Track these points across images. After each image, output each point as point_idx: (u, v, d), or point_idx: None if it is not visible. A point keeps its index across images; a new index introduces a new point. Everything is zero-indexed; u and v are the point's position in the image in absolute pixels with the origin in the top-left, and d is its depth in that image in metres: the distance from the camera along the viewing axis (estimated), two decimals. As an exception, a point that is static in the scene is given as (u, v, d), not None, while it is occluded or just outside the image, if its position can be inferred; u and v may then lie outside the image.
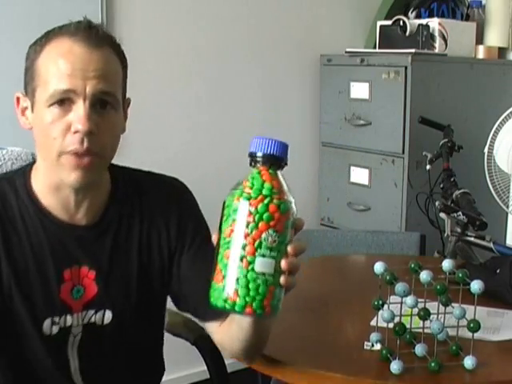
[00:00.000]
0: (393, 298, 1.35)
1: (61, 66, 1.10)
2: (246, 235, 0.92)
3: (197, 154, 2.77)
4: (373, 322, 1.42)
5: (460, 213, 2.15)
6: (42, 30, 1.18)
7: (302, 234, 1.01)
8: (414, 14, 3.00)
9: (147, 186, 1.27)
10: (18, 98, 1.19)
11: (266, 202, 0.93)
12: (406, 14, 2.98)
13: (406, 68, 2.64)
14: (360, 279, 1.87)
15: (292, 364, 1.30)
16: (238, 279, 0.92)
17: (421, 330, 1.30)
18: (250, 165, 0.96)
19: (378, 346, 1.34)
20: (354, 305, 1.64)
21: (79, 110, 1.10)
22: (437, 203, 2.23)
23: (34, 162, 1.22)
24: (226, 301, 0.93)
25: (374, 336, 1.35)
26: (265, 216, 0.92)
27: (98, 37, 1.14)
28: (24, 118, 1.18)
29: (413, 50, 2.66)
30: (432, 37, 2.82)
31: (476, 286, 1.30)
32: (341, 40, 3.07)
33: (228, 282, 0.93)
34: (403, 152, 2.69)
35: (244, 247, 0.92)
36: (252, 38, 2.88)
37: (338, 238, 2.33)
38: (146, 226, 1.23)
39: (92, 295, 1.19)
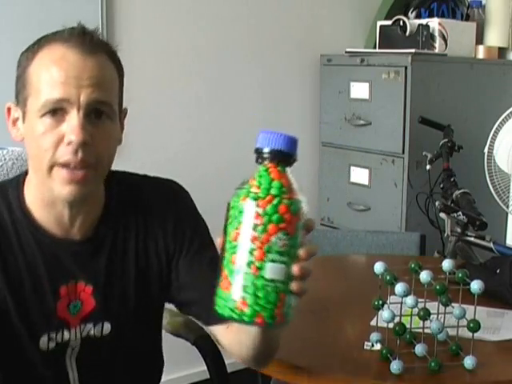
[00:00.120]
0: (393, 298, 1.35)
1: (53, 74, 1.05)
2: (254, 239, 0.84)
3: (197, 154, 2.77)
4: (373, 322, 1.42)
5: (460, 213, 2.15)
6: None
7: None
8: (414, 14, 3.00)
9: (142, 191, 1.22)
10: (8, 109, 1.13)
11: (275, 202, 0.84)
12: (406, 14, 2.98)
13: (405, 68, 2.64)
14: (360, 279, 1.87)
15: (292, 364, 1.30)
16: (245, 287, 0.84)
17: (421, 330, 1.30)
18: (257, 161, 0.88)
19: (377, 346, 1.34)
20: (354, 305, 1.64)
21: (73, 120, 1.04)
22: (437, 203, 2.23)
23: (27, 171, 1.16)
24: (233, 310, 0.84)
25: (373, 336, 1.35)
26: (274, 217, 0.84)
27: (92, 43, 1.08)
28: (15, 130, 1.12)
29: (413, 50, 2.66)
30: (432, 37, 2.82)
31: (476, 286, 1.30)
32: (341, 40, 3.07)
33: (235, 290, 0.84)
34: (403, 152, 2.69)
35: (252, 252, 0.84)
36: (252, 38, 2.88)
37: (338, 238, 2.33)
38: (142, 236, 1.19)
39: (90, 309, 1.15)
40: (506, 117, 2.26)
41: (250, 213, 0.84)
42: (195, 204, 1.26)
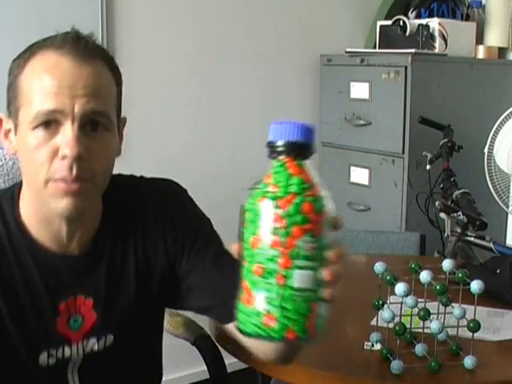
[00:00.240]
0: (393, 298, 1.35)
1: (45, 83, 0.98)
2: (277, 244, 0.74)
3: (197, 154, 2.77)
4: (373, 322, 1.43)
5: (460, 213, 2.15)
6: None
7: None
8: (414, 14, 3.00)
9: (140, 194, 1.16)
10: (0, 120, 1.07)
11: (297, 200, 0.74)
12: (406, 14, 2.98)
13: (405, 68, 2.64)
14: (360, 279, 1.87)
15: (292, 364, 1.30)
16: (271, 299, 0.74)
17: (421, 330, 1.30)
18: (270, 157, 0.78)
19: (377, 346, 1.34)
20: (354, 305, 1.64)
21: (67, 132, 0.98)
22: (437, 203, 2.23)
23: (22, 182, 1.10)
24: (258, 326, 0.75)
25: (373, 336, 1.35)
26: (298, 218, 0.74)
27: (87, 49, 1.02)
28: (7, 142, 1.06)
29: (413, 50, 2.66)
30: (432, 37, 2.82)
31: (476, 286, 1.30)
32: (341, 40, 3.07)
33: (259, 303, 0.75)
34: (403, 152, 2.69)
35: (275, 259, 0.74)
36: (252, 38, 2.88)
37: (338, 238, 2.33)
38: (141, 244, 1.13)
39: (91, 323, 1.10)
40: (506, 117, 2.26)
41: (268, 215, 0.75)
42: (194, 201, 1.21)
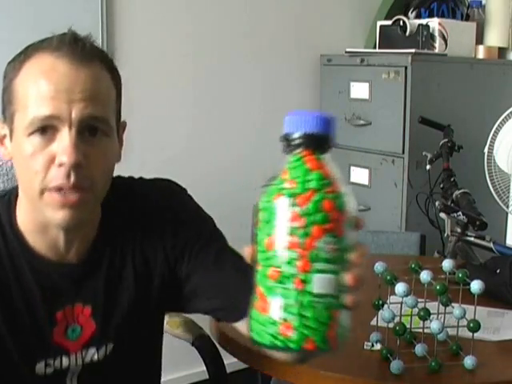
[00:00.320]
0: (393, 298, 1.35)
1: (41, 88, 0.94)
2: (295, 246, 0.68)
3: (197, 154, 2.77)
4: (373, 322, 1.42)
5: (460, 213, 2.15)
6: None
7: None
8: (414, 14, 3.00)
9: (139, 197, 1.13)
10: None
11: (316, 197, 0.68)
12: (406, 14, 2.98)
13: (405, 68, 2.64)
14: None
15: (292, 364, 1.30)
16: (288, 306, 0.68)
17: (421, 330, 1.30)
18: (286, 151, 0.71)
19: (377, 346, 1.34)
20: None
21: (64, 139, 0.94)
22: (437, 203, 2.23)
23: (18, 188, 1.06)
24: (275, 337, 0.68)
25: (373, 336, 1.35)
26: (318, 217, 0.68)
27: (85, 51, 0.97)
28: (3, 149, 1.03)
29: (413, 50, 2.66)
30: (432, 37, 2.82)
31: (476, 286, 1.30)
32: (341, 40, 3.07)
33: (275, 311, 0.68)
34: (403, 152, 2.69)
35: (293, 262, 0.68)
36: (252, 38, 2.88)
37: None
38: (141, 249, 1.10)
39: (91, 333, 1.07)
40: (506, 117, 2.26)
41: (285, 214, 0.68)
42: (194, 200, 1.18)
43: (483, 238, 2.17)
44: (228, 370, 1.56)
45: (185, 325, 1.59)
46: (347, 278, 0.69)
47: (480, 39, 3.00)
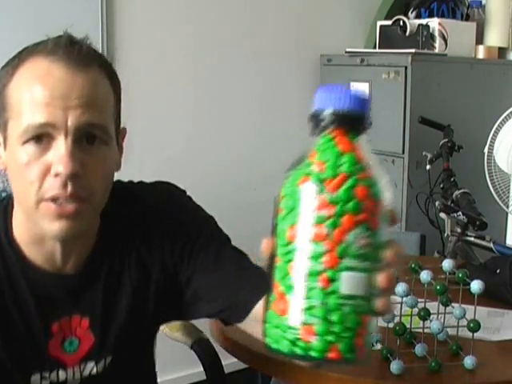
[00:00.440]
0: (393, 298, 1.35)
1: (36, 94, 0.89)
2: (322, 238, 0.59)
3: (197, 154, 2.77)
4: (373, 322, 1.42)
5: (460, 213, 2.15)
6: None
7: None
8: (414, 14, 3.00)
9: (139, 201, 1.09)
10: None
11: (349, 183, 0.60)
12: (406, 14, 2.98)
13: (405, 68, 2.64)
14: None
15: (292, 364, 1.30)
16: (312, 308, 0.59)
17: (421, 330, 1.30)
18: (315, 132, 0.63)
19: (378, 346, 1.34)
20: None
21: (60, 147, 0.89)
22: (437, 203, 2.23)
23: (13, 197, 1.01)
24: (295, 343, 0.60)
25: (374, 336, 1.35)
26: (351, 205, 0.59)
27: (81, 55, 0.92)
28: None
29: (413, 50, 2.66)
30: (432, 37, 2.82)
31: (476, 286, 1.30)
32: (341, 40, 3.07)
33: (296, 314, 0.59)
34: (403, 152, 2.69)
35: (319, 257, 0.59)
36: (252, 38, 2.88)
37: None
38: (140, 253, 1.05)
39: (89, 346, 1.02)
40: (506, 117, 2.26)
41: (312, 201, 0.59)
42: (193, 200, 1.14)
43: (483, 238, 2.17)
44: (228, 370, 1.56)
45: (184, 328, 1.57)
46: (379, 278, 0.61)
47: (480, 39, 3.00)
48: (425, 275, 1.36)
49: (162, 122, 2.67)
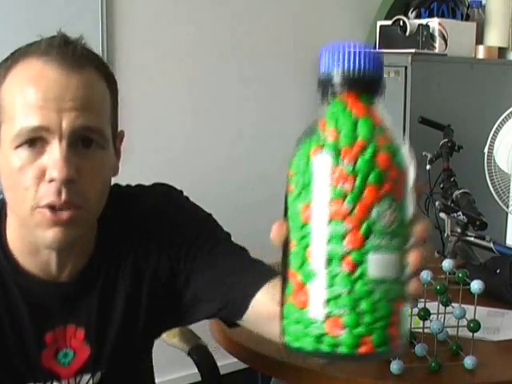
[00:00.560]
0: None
1: (29, 96, 0.86)
2: (341, 215, 0.51)
3: (196, 154, 2.77)
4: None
5: (460, 213, 2.15)
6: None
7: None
8: (414, 14, 3.00)
9: (137, 204, 1.05)
10: None
11: (369, 150, 0.52)
12: (406, 14, 2.98)
13: (405, 68, 2.64)
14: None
15: (292, 364, 1.30)
16: (337, 297, 0.51)
17: (421, 330, 1.30)
18: (324, 97, 0.56)
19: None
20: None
21: (54, 152, 0.86)
22: (437, 203, 2.23)
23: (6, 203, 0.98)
24: (319, 339, 0.52)
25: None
26: (373, 176, 0.52)
27: (76, 55, 0.89)
28: None
29: (413, 50, 2.66)
30: (432, 37, 2.82)
31: (476, 286, 1.30)
32: (341, 40, 3.06)
33: (319, 305, 0.52)
34: (403, 152, 2.69)
35: (341, 238, 0.51)
36: (251, 38, 2.88)
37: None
38: (132, 259, 1.02)
39: (85, 358, 0.98)
40: (506, 117, 2.26)
41: (327, 174, 0.52)
42: (191, 200, 1.10)
43: (483, 238, 2.17)
44: (228, 370, 1.56)
45: (181, 334, 1.52)
46: (411, 257, 0.54)
47: (480, 39, 3.00)
48: (425, 275, 1.36)
49: (162, 121, 2.67)
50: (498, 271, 1.70)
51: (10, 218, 0.97)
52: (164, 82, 2.66)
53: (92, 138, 0.89)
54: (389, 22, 2.91)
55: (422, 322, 1.29)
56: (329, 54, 0.57)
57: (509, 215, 2.81)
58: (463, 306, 1.30)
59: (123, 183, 1.09)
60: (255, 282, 0.94)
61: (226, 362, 1.53)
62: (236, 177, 2.82)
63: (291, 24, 2.99)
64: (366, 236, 0.52)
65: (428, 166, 2.37)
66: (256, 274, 0.97)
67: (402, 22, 2.84)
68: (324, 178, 0.52)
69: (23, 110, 0.87)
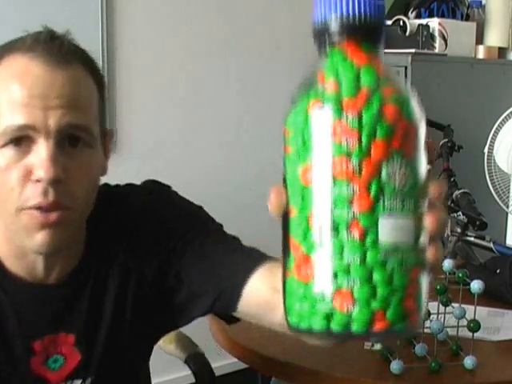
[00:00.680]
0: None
1: (14, 93, 0.83)
2: (347, 174, 0.46)
3: (195, 154, 2.77)
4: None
5: (460, 213, 2.15)
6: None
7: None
8: (414, 14, 3.00)
9: (126, 202, 1.02)
10: None
11: (374, 101, 0.47)
12: (406, 14, 2.98)
13: (405, 68, 2.63)
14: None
15: (292, 364, 1.30)
16: (347, 268, 0.46)
17: (421, 330, 1.30)
18: (321, 47, 0.50)
19: (377, 346, 1.34)
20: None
21: (41, 151, 0.83)
22: (437, 203, 2.23)
23: None
24: (327, 317, 0.46)
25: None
26: (380, 130, 0.46)
27: (62, 51, 0.86)
28: None
29: (413, 50, 2.66)
30: (432, 37, 2.82)
31: (476, 285, 1.30)
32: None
33: (325, 277, 0.46)
34: (403, 152, 2.69)
35: (347, 200, 0.46)
36: (251, 38, 2.88)
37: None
38: (122, 260, 0.99)
39: (75, 364, 0.95)
40: (506, 117, 2.26)
41: (328, 128, 0.46)
42: (179, 194, 1.06)
43: (483, 238, 2.17)
44: (228, 370, 1.56)
45: (178, 341, 1.47)
46: (427, 220, 0.48)
47: (480, 39, 3.00)
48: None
49: (162, 121, 2.67)
50: (498, 271, 1.70)
51: None
52: (164, 82, 2.66)
53: (79, 137, 0.87)
54: (389, 22, 2.91)
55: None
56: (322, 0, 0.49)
57: (509, 215, 2.81)
58: (463, 305, 1.30)
59: (123, 183, 1.08)
60: (246, 267, 0.91)
61: (226, 362, 1.52)
62: (234, 176, 2.82)
63: (292, 25, 2.99)
64: (376, 198, 0.46)
65: (428, 166, 2.37)
66: (247, 259, 0.93)
67: (401, 22, 2.83)
68: (325, 134, 0.47)
69: (8, 108, 0.84)
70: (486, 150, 2.27)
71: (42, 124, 0.83)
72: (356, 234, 0.46)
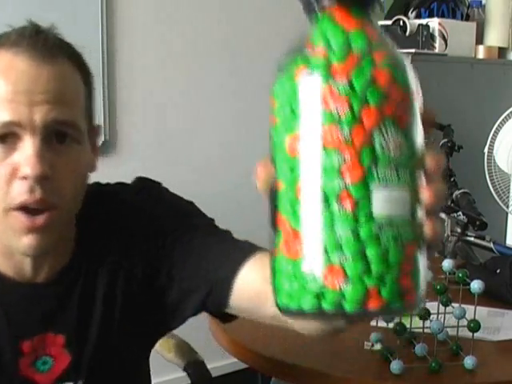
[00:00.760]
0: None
1: None
2: (337, 142, 0.43)
3: (194, 153, 2.77)
4: (373, 322, 1.42)
5: (460, 213, 2.15)
6: None
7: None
8: (414, 13, 3.00)
9: (117, 200, 1.01)
10: None
11: (364, 65, 0.44)
12: (406, 14, 2.98)
13: (405, 68, 2.64)
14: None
15: (292, 364, 1.30)
16: (338, 243, 0.43)
17: (421, 330, 1.30)
18: (310, 14, 0.51)
19: (378, 346, 1.34)
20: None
21: (27, 148, 0.81)
22: (437, 203, 2.23)
23: None
24: (318, 296, 0.43)
25: (373, 336, 1.35)
26: (371, 95, 0.44)
27: (48, 45, 0.84)
28: None
29: (413, 50, 2.66)
30: (432, 37, 2.82)
31: (476, 285, 1.30)
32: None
33: (316, 254, 0.43)
34: (403, 152, 2.69)
35: (336, 170, 0.43)
36: (251, 38, 2.88)
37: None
38: (112, 259, 0.97)
39: (65, 366, 0.93)
40: (506, 117, 2.26)
41: (318, 95, 0.44)
42: (169, 191, 1.04)
43: (483, 238, 2.17)
44: (228, 370, 1.56)
45: (178, 348, 1.45)
46: (423, 192, 0.46)
47: (480, 39, 3.00)
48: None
49: (162, 121, 2.67)
50: (498, 271, 1.70)
51: None
52: (164, 83, 2.66)
53: (66, 132, 0.85)
54: (389, 22, 2.91)
55: (421, 321, 1.29)
56: None
57: (509, 215, 2.81)
58: (463, 306, 1.30)
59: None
60: (236, 258, 0.89)
61: (226, 362, 1.52)
62: (234, 176, 2.82)
63: (292, 25, 2.99)
64: (368, 168, 0.43)
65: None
66: (237, 251, 0.92)
67: (401, 22, 2.83)
68: (313, 101, 0.44)
69: None
70: (486, 149, 2.27)
71: (27, 120, 0.81)
72: (348, 207, 0.42)
